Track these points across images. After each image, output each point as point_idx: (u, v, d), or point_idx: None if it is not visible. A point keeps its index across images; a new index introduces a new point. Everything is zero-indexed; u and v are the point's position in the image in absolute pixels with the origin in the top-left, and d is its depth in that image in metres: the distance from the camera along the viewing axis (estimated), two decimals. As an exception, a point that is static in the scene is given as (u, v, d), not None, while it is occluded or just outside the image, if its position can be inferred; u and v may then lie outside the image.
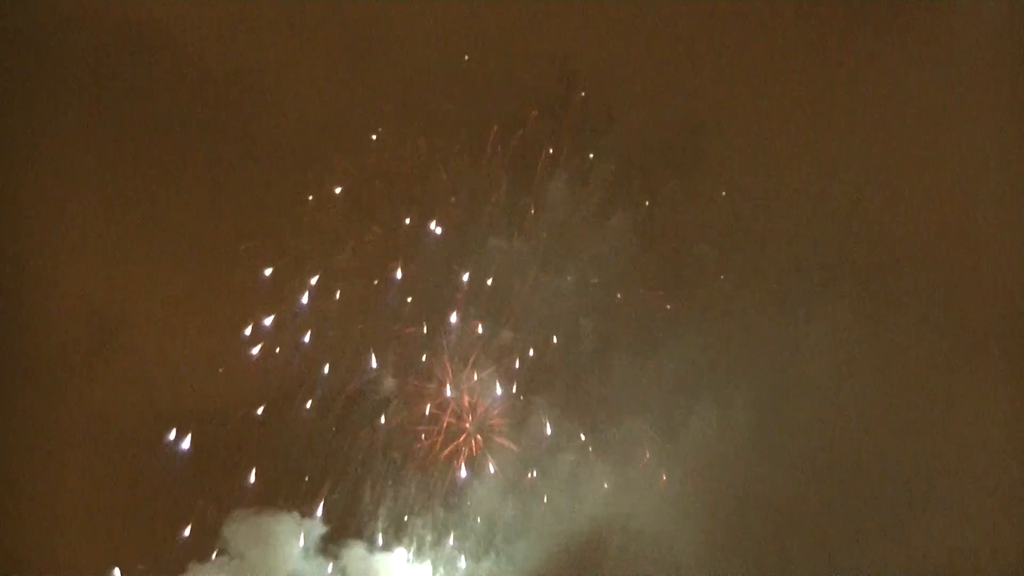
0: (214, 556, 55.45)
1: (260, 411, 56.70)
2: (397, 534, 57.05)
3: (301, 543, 56.03)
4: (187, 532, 55.54)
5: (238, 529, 55.35)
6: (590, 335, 56.44)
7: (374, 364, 57.41)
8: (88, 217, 56.21)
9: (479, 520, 56.98)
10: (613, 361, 56.23)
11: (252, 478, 56.44)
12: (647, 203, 56.62)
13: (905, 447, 54.21)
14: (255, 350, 56.74)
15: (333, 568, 56.39)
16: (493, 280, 57.11)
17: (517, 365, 57.07)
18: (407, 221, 57.61)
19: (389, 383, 57.53)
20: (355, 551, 56.62)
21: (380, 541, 56.98)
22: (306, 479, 56.86)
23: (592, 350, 56.55)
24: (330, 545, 56.67)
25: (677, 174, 56.82)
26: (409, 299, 57.60)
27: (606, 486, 56.00)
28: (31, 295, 55.49)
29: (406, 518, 56.99)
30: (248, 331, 56.95)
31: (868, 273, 55.54)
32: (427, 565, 56.99)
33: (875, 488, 54.47)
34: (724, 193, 56.42)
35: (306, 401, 57.26)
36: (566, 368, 57.07)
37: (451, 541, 56.93)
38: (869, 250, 55.67)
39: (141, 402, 56.54)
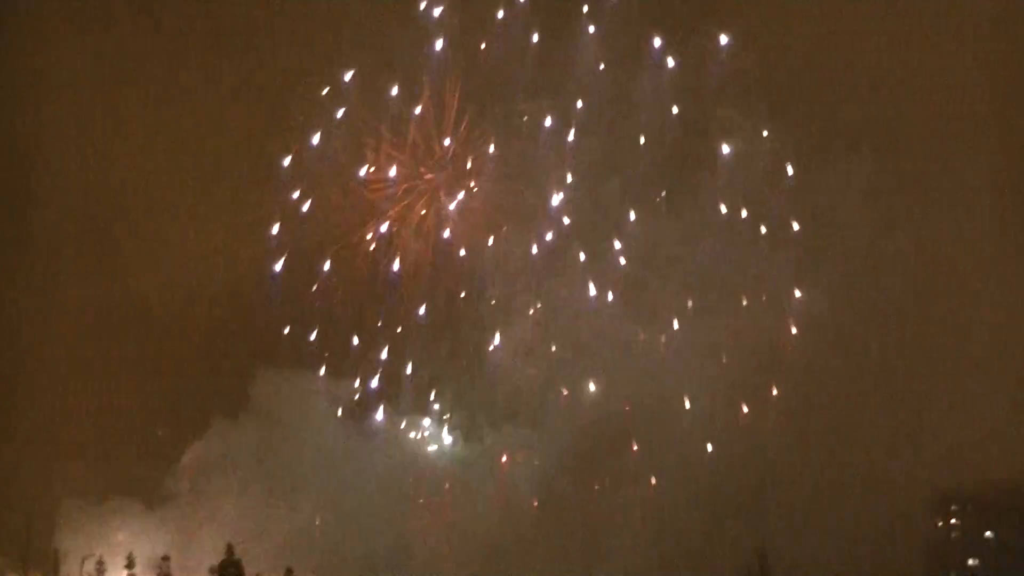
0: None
1: (278, 267, 56.14)
2: (423, 399, 56.90)
3: (327, 404, 55.84)
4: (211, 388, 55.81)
5: (264, 386, 55.27)
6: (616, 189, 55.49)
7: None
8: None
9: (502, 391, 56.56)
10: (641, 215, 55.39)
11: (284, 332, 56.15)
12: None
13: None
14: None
15: (358, 431, 56.36)
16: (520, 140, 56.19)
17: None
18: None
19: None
20: (381, 415, 56.64)
21: (405, 405, 56.95)
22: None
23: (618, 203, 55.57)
24: (356, 408, 56.68)
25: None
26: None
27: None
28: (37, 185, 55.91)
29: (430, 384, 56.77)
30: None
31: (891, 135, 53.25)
32: (451, 432, 57.03)
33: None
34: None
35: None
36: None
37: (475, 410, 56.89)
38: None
39: (155, 280, 56.54)
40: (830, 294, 52.49)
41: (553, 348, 56.15)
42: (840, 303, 52.23)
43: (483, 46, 55.27)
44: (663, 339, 54.78)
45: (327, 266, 56.57)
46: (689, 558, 52.36)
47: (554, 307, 56.20)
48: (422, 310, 56.75)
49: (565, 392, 55.56)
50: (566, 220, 55.97)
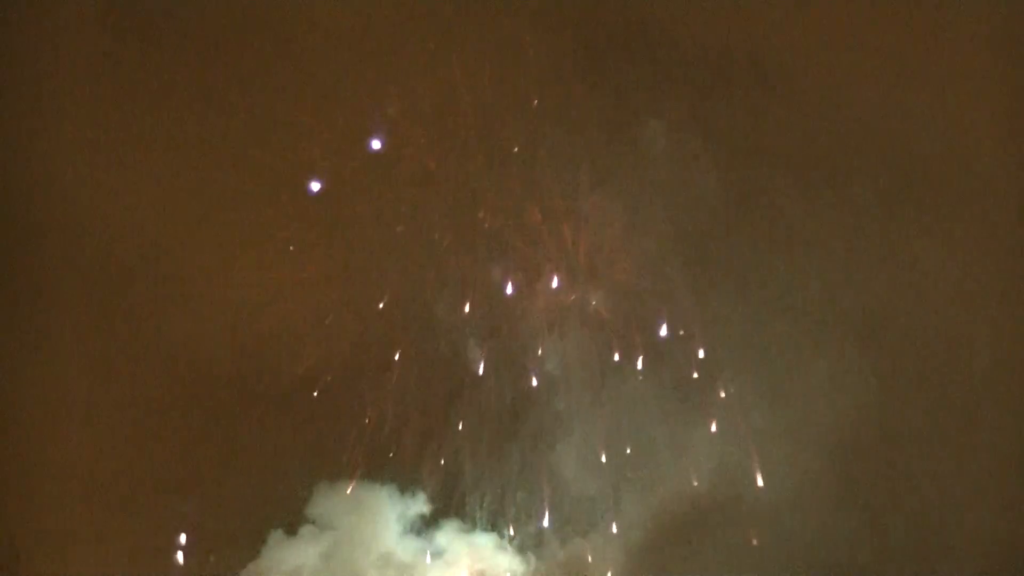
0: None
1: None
2: (496, 515, 53.68)
3: (396, 519, 52.66)
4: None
5: (326, 501, 51.96)
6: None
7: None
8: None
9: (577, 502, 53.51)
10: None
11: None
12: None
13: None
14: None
15: (429, 549, 52.98)
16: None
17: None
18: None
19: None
20: (452, 532, 53.33)
21: (478, 522, 53.66)
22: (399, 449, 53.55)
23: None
24: (425, 525, 53.39)
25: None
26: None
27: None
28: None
29: (504, 497, 53.59)
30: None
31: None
32: (522, 550, 53.64)
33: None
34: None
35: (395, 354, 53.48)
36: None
37: (546, 523, 53.48)
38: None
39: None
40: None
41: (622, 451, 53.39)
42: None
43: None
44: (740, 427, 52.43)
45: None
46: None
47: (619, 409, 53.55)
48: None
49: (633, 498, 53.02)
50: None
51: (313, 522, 52.39)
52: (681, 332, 53.18)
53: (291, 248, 51.51)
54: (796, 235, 52.53)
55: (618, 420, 53.71)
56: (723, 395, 53.04)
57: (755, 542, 51.80)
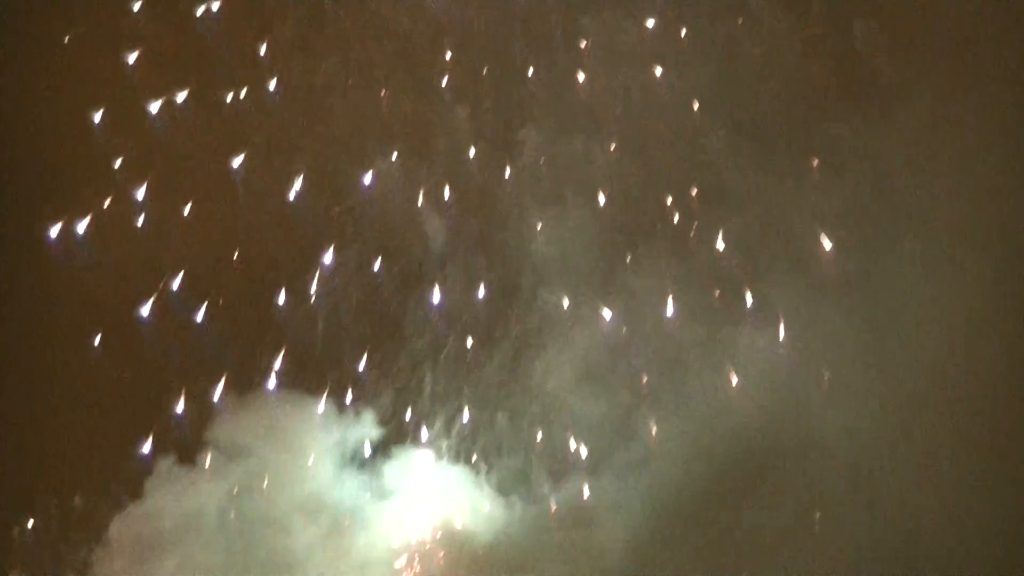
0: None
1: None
2: (467, 443, 40.11)
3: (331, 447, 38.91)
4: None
5: (234, 420, 38.86)
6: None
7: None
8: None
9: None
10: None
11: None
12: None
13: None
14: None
15: (376, 488, 39.26)
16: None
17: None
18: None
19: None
20: (406, 465, 39.69)
21: (444, 453, 40.11)
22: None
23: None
24: (371, 456, 39.69)
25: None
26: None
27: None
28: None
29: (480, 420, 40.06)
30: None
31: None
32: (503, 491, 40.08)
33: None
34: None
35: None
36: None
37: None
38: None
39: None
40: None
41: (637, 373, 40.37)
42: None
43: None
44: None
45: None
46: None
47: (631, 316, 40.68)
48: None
49: (655, 429, 39.93)
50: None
51: (217, 447, 38.30)
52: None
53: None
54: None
55: (633, 321, 40.39)
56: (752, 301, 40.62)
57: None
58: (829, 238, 40.42)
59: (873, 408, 39.68)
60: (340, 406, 39.86)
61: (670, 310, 40.60)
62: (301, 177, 40.46)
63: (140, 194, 40.12)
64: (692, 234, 41.17)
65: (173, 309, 39.98)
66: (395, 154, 40.80)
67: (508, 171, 41.07)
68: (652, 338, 40.54)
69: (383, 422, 39.95)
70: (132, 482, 38.93)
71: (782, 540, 38.88)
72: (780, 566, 38.36)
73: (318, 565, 38.68)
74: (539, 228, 40.91)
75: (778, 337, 40.23)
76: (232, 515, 38.82)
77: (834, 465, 39.26)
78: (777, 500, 38.79)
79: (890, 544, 39.20)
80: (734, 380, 40.19)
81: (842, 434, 39.36)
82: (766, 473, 38.85)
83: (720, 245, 40.86)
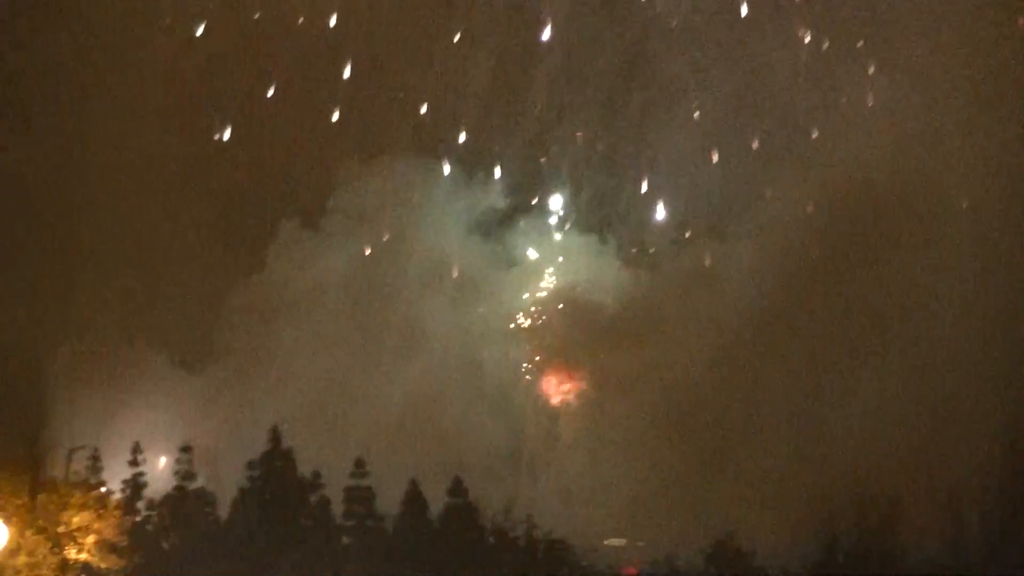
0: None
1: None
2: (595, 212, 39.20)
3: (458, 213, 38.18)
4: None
5: (358, 183, 38.12)
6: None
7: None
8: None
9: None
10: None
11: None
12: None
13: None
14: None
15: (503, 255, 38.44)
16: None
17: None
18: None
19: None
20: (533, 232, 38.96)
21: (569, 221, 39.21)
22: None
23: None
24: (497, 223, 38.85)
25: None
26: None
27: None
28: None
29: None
30: None
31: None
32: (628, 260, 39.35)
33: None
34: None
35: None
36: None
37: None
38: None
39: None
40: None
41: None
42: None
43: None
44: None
45: None
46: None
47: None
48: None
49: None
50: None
51: (341, 212, 37.39)
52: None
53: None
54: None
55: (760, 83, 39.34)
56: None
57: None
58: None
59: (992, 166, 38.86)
60: (468, 172, 38.80)
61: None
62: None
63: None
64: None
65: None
66: None
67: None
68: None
69: (509, 190, 39.02)
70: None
71: (905, 303, 38.15)
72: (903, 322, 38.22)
73: (442, 336, 38.14)
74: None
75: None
76: (356, 283, 38.12)
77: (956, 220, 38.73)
78: (899, 265, 38.35)
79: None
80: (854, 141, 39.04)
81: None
82: (888, 235, 38.06)
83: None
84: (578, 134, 38.87)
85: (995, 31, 38.58)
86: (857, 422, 37.64)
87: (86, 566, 30.44)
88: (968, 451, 36.72)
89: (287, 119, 38.52)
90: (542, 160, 38.72)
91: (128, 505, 33.47)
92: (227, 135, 38.38)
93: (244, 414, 37.74)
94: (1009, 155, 37.40)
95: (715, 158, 38.78)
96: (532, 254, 38.91)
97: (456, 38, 38.17)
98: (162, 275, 38.97)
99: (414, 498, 33.88)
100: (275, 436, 33.69)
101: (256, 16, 38.90)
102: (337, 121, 38.13)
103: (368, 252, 37.68)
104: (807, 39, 39.37)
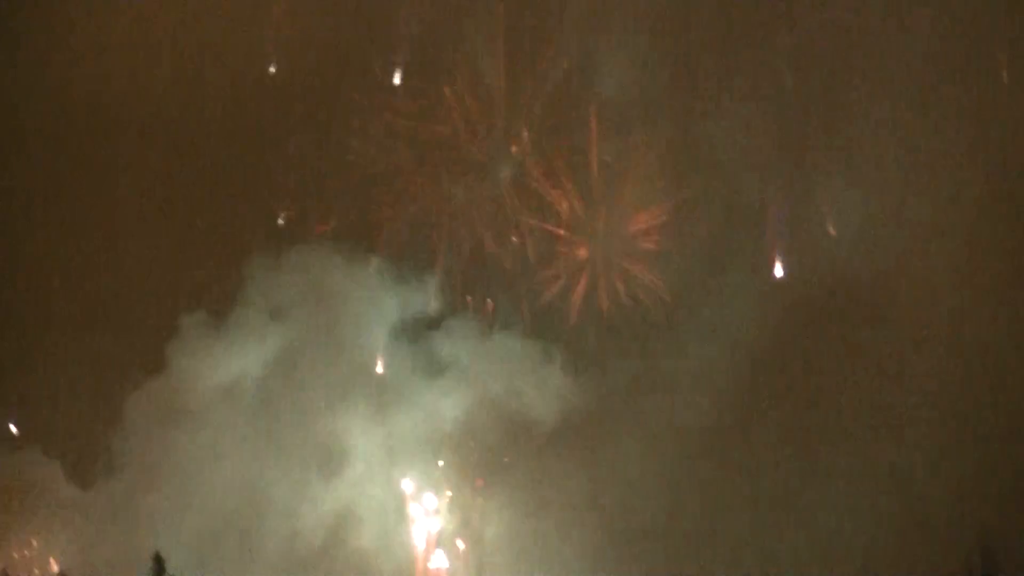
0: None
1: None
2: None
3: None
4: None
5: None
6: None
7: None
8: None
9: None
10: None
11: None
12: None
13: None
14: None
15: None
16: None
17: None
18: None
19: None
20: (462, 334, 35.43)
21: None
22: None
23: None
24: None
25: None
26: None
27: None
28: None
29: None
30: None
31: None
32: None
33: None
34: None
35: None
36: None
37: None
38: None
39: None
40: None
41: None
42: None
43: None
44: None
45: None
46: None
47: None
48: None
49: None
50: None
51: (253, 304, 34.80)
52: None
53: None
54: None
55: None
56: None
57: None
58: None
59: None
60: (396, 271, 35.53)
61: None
62: None
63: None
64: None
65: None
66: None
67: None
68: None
69: (442, 292, 35.74)
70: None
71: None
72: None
73: (360, 451, 34.59)
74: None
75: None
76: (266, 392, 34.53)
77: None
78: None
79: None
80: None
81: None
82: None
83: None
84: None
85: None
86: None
87: None
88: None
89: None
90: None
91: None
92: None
93: (135, 538, 33.72)
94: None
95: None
96: (464, 358, 35.57)
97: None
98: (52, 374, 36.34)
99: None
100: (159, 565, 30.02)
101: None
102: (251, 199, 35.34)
103: (282, 351, 34.46)
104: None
